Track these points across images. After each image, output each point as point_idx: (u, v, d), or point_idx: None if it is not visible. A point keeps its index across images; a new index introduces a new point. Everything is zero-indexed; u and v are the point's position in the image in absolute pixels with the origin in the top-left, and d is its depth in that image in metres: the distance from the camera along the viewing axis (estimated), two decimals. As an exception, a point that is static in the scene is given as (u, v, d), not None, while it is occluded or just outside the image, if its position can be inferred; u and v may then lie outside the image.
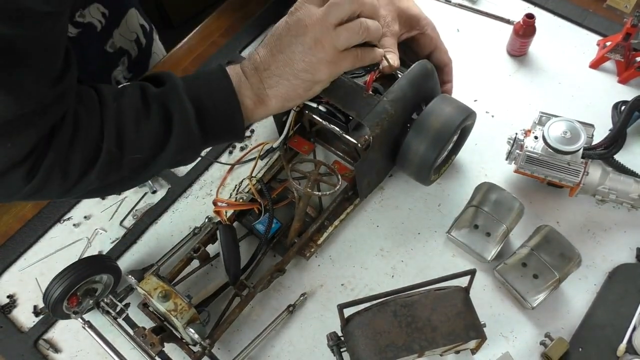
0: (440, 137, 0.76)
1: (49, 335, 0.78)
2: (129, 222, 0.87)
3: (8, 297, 0.81)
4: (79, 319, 0.73)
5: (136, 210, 0.88)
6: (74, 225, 0.87)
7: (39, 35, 0.53)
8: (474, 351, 0.68)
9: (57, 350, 0.77)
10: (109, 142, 0.61)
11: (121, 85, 0.66)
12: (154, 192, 0.89)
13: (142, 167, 0.66)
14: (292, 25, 0.66)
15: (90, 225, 0.87)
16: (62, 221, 0.87)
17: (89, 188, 0.64)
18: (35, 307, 0.80)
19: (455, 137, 0.81)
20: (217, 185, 0.89)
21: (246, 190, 0.84)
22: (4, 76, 0.52)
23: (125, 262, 0.83)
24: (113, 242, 0.85)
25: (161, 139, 0.64)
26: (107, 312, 0.73)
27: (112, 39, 0.98)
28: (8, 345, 0.77)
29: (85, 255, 0.84)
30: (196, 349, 0.69)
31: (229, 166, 0.91)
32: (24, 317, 0.80)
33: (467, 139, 0.86)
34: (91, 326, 0.73)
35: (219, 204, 0.81)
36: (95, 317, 0.74)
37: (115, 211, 0.88)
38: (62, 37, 0.58)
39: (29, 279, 0.83)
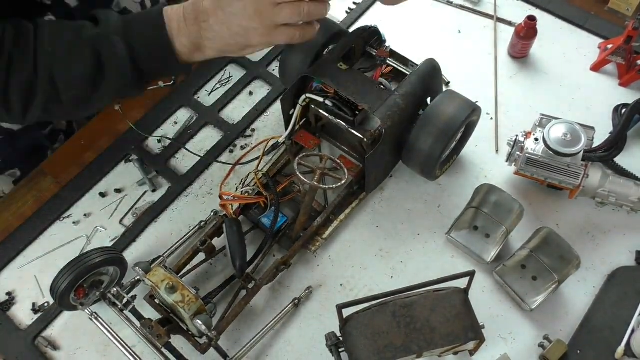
0: (447, 131, 0.77)
1: (48, 332, 0.78)
2: (129, 220, 0.87)
3: (7, 294, 0.81)
4: (86, 310, 0.73)
5: (136, 208, 0.88)
6: (73, 223, 0.87)
7: None
8: (472, 352, 0.68)
9: (55, 347, 0.77)
10: (43, 83, 0.66)
11: (59, 22, 0.71)
12: (154, 190, 0.89)
13: (84, 102, 0.71)
14: None
15: (89, 223, 0.87)
16: (61, 219, 0.87)
17: (40, 118, 0.70)
18: (34, 304, 0.80)
19: (460, 132, 0.82)
20: (219, 184, 0.89)
21: (252, 184, 0.84)
22: None
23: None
24: (112, 240, 0.85)
25: (94, 80, 0.68)
26: (114, 304, 0.73)
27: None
28: (6, 343, 0.77)
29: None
30: (202, 340, 0.70)
31: (231, 162, 0.91)
32: (23, 314, 0.80)
33: (470, 138, 0.86)
34: (97, 318, 0.73)
35: (225, 197, 0.81)
36: (101, 310, 0.74)
37: (115, 209, 0.88)
38: None
39: (28, 276, 0.82)
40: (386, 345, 0.60)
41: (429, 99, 0.82)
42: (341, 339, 0.65)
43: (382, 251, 0.83)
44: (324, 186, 0.78)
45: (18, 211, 0.88)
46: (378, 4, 1.09)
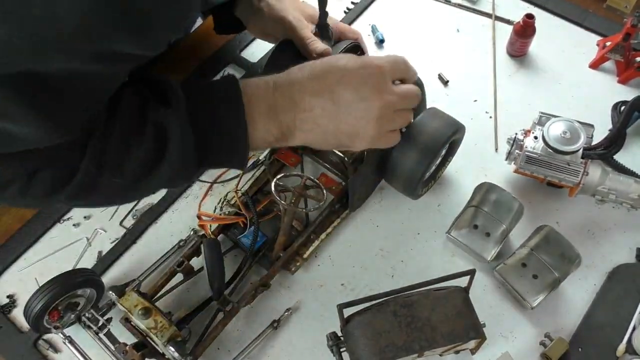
0: (428, 151, 0.75)
1: (49, 335, 0.78)
2: (129, 222, 0.87)
3: (8, 297, 0.81)
4: (60, 333, 0.72)
5: (136, 210, 0.88)
6: (73, 225, 0.87)
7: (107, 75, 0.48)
8: (473, 351, 0.68)
9: (56, 350, 0.77)
10: (88, 161, 0.54)
11: (120, 90, 0.56)
12: (154, 191, 0.89)
13: (124, 191, 0.59)
14: (350, 72, 0.59)
15: (90, 225, 0.87)
16: (61, 221, 0.87)
17: (59, 204, 0.60)
18: (35, 307, 0.80)
19: (443, 151, 0.81)
20: (199, 201, 0.87)
21: (232, 202, 0.82)
22: (42, 112, 0.46)
23: (124, 263, 0.83)
24: (113, 242, 0.85)
25: (150, 165, 0.56)
26: (89, 327, 0.72)
27: None
28: (8, 345, 0.77)
29: (84, 257, 0.84)
30: None
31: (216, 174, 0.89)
32: (24, 317, 0.80)
33: (466, 141, 0.86)
34: (72, 341, 0.72)
35: (204, 217, 0.80)
36: (78, 332, 0.73)
37: (115, 211, 0.88)
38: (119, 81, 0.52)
39: (29, 279, 0.82)
40: (387, 344, 0.60)
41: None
42: (342, 338, 0.65)
43: (383, 251, 0.83)
44: (301, 208, 0.76)
45: (18, 214, 0.88)
46: (376, 4, 1.09)
